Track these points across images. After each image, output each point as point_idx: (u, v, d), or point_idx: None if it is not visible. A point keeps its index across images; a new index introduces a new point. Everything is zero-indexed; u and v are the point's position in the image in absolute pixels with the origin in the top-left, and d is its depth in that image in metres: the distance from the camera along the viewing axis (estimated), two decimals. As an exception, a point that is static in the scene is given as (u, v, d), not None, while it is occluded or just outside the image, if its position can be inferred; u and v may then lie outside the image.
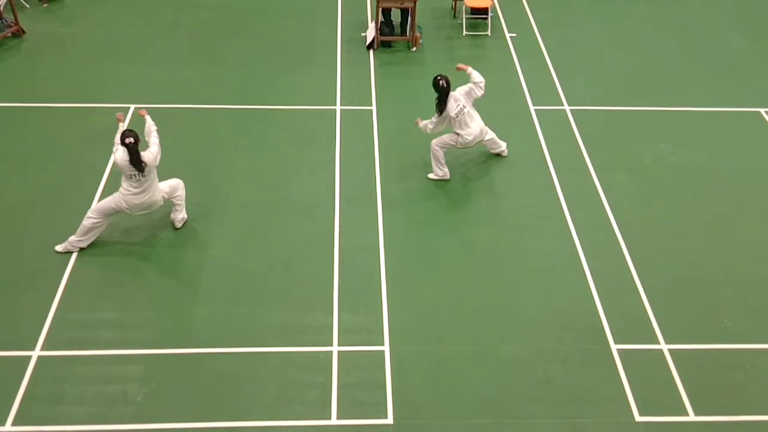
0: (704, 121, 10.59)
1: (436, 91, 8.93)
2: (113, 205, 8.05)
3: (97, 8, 12.89)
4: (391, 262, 8.23)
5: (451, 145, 9.22)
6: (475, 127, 9.13)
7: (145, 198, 8.01)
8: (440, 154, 9.27)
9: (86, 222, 8.07)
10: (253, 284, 7.97)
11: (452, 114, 8.98)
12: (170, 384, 6.98)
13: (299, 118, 10.44)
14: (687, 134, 10.31)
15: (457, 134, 9.10)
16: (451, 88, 8.98)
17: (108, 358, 7.18)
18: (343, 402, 6.87)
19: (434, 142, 9.24)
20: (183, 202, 8.52)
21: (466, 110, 9.02)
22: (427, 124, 9.21)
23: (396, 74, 11.49)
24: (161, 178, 8.21)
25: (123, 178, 7.96)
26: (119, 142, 7.81)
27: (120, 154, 7.80)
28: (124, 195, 7.96)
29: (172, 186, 8.40)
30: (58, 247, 8.19)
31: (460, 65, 9.41)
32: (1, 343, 7.29)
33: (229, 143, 9.91)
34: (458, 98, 9.01)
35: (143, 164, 7.80)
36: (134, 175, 7.85)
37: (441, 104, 8.96)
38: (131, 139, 7.69)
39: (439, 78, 8.91)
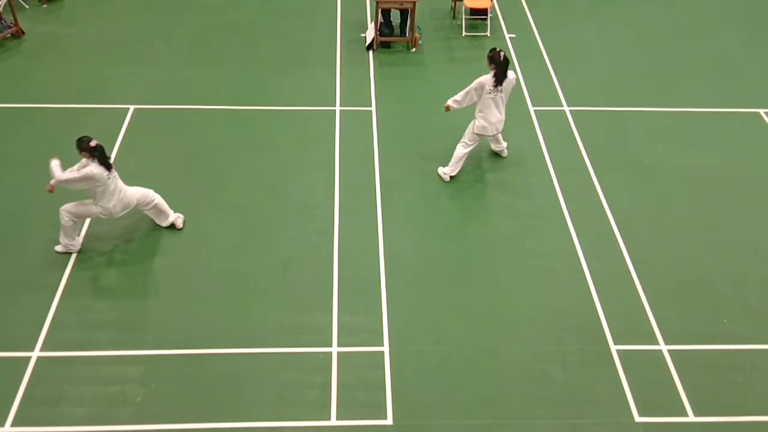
0: (704, 122, 10.59)
1: (498, 64, 8.66)
2: (90, 215, 8.01)
3: (97, 9, 12.89)
4: (390, 263, 8.24)
5: (476, 136, 9.11)
6: (498, 114, 8.99)
7: (121, 195, 7.90)
8: (465, 152, 9.16)
9: (65, 222, 7.96)
10: (253, 285, 7.97)
11: (510, 81, 8.79)
12: (169, 385, 6.98)
13: (299, 118, 10.44)
14: (686, 135, 10.32)
15: (478, 117, 8.99)
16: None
17: (107, 358, 7.19)
18: (343, 402, 6.87)
19: (469, 131, 9.13)
20: (162, 211, 8.38)
21: (501, 92, 8.89)
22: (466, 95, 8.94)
23: (395, 75, 11.49)
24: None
25: (92, 195, 7.79)
26: (88, 154, 7.66)
27: (95, 166, 7.64)
28: (103, 208, 7.86)
29: (144, 194, 8.21)
30: (58, 248, 8.19)
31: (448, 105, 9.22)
32: (1, 343, 7.29)
33: (228, 144, 9.91)
34: (510, 77, 8.87)
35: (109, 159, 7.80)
36: (108, 176, 7.73)
37: (502, 76, 8.75)
38: (94, 141, 7.65)
39: (499, 50, 8.70)
